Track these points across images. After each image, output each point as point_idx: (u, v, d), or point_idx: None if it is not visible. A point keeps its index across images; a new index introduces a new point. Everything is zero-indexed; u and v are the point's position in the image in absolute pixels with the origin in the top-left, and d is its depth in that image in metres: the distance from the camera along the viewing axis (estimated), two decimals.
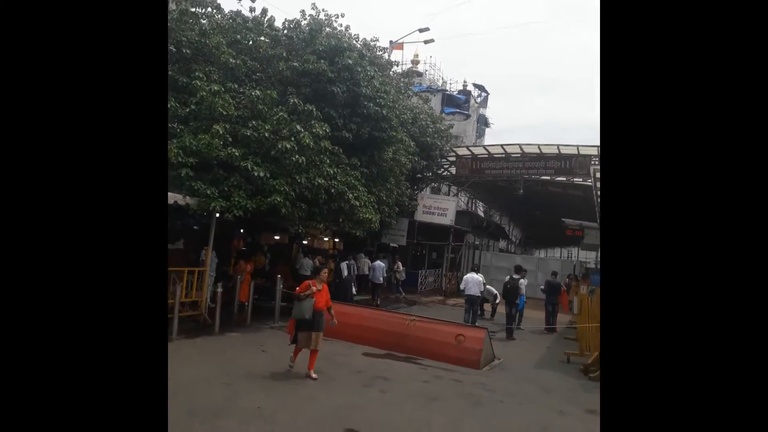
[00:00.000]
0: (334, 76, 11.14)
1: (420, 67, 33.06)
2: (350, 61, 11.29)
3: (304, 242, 16.68)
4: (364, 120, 11.93)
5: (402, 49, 28.29)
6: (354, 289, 13.68)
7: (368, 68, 12.10)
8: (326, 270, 6.81)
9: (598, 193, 11.86)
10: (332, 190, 10.25)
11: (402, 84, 19.13)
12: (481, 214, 30.11)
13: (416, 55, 32.92)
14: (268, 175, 8.80)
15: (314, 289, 6.00)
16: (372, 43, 15.31)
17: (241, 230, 13.11)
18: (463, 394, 5.87)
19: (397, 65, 21.64)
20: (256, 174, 8.54)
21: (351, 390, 5.62)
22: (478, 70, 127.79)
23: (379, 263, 14.95)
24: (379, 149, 12.94)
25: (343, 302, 9.84)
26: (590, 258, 28.48)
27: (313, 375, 5.84)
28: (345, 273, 14.03)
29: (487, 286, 13.30)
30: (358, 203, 11.04)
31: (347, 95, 11.48)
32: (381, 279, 14.75)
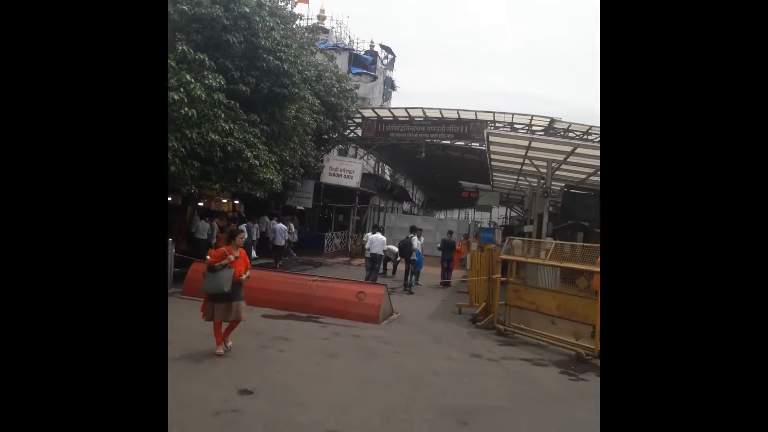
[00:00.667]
0: (230, 24, 10.26)
1: (326, 24, 31.84)
2: (247, 9, 10.46)
3: (200, 204, 15.66)
4: (264, 74, 11.26)
5: (307, 2, 26.91)
6: (254, 253, 13.30)
7: (268, 19, 11.31)
8: (242, 234, 5.86)
9: (491, 156, 12.69)
10: (228, 148, 9.66)
11: (306, 39, 18.29)
12: (388, 178, 30.70)
13: (322, 11, 31.58)
14: None
15: (231, 257, 5.32)
16: None
17: None
18: (361, 347, 6.10)
19: (302, 19, 20.60)
20: None
21: (248, 352, 5.53)
22: (386, 31, 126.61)
23: (280, 226, 14.74)
24: (281, 106, 12.37)
25: None
26: (485, 218, 30.75)
27: (229, 344, 5.38)
28: (245, 236, 13.52)
29: (389, 246, 13.78)
30: (257, 162, 10.56)
31: (245, 46, 10.68)
32: (282, 241, 14.65)
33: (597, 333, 6.23)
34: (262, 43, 10.85)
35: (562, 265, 6.74)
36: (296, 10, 17.38)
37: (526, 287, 7.47)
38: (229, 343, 5.42)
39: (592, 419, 4.32)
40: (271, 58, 11.21)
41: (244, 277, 5.41)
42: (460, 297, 10.68)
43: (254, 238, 14.49)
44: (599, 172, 11.40)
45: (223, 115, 9.44)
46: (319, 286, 8.41)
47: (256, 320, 7.32)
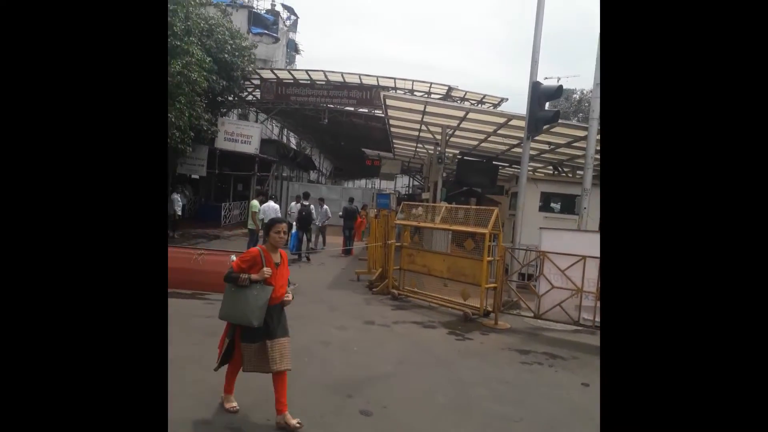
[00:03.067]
0: None
1: None
2: None
3: None
4: None
5: None
6: None
7: None
8: (283, 227, 3.46)
9: (390, 122, 12.61)
10: None
11: None
12: (294, 147, 29.55)
13: None
14: None
15: (268, 270, 3.26)
16: None
17: None
18: None
19: None
20: None
21: None
22: None
23: (175, 196, 13.64)
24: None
25: None
26: (389, 187, 31.21)
27: (295, 421, 3.23)
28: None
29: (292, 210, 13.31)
30: None
31: None
32: (179, 211, 13.92)
33: (482, 292, 6.54)
34: None
35: (451, 228, 6.92)
36: None
37: (418, 251, 7.60)
38: (295, 421, 3.24)
39: (474, 377, 4.51)
40: None
41: (288, 298, 3.53)
42: (360, 265, 10.68)
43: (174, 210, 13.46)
44: (489, 138, 11.92)
45: None
46: (207, 261, 7.77)
47: None
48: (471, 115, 10.01)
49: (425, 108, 10.13)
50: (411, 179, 31.59)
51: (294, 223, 11.50)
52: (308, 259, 11.40)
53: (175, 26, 10.66)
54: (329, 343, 5.17)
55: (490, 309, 6.67)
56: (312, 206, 11.98)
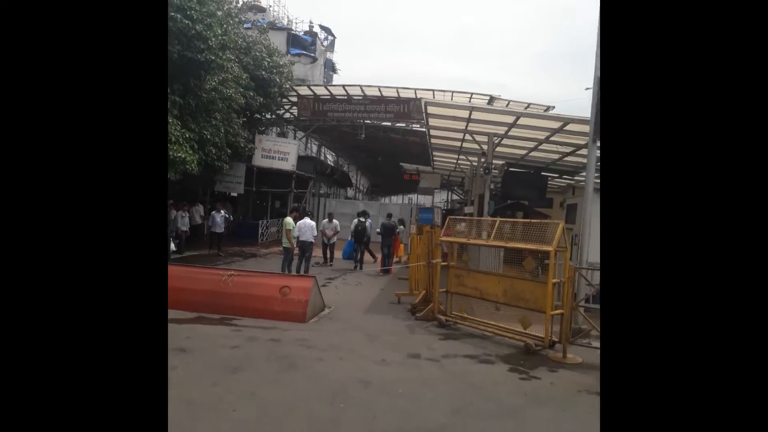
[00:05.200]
0: None
1: (263, 2, 29.72)
2: None
3: None
4: (172, 36, 9.66)
5: None
6: (173, 245, 11.81)
7: None
8: None
9: (431, 133, 11.86)
10: None
11: (234, 8, 16.48)
12: (331, 164, 29.37)
13: None
14: None
15: None
16: None
17: None
18: (277, 356, 5.03)
19: None
20: None
21: None
22: (327, 11, 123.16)
23: (214, 214, 13.96)
24: (196, 76, 10.79)
25: None
26: (427, 202, 30.34)
27: None
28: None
29: (333, 222, 12.90)
30: None
31: None
32: (222, 228, 13.94)
33: (546, 319, 5.58)
34: None
35: (508, 245, 6.00)
36: None
37: (468, 272, 6.70)
38: None
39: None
40: (180, 16, 9.63)
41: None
42: (400, 285, 9.86)
43: (184, 228, 13.28)
44: (540, 147, 10.95)
45: None
46: (236, 282, 7.20)
47: None
48: (521, 121, 9.12)
49: (470, 115, 9.33)
50: (449, 194, 30.62)
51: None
52: (360, 267, 12.18)
53: (210, 40, 10.45)
54: (369, 383, 4.37)
55: (556, 339, 5.68)
56: (368, 222, 12.63)
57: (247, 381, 4.30)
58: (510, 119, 9.13)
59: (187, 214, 14.09)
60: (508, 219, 6.10)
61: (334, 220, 12.73)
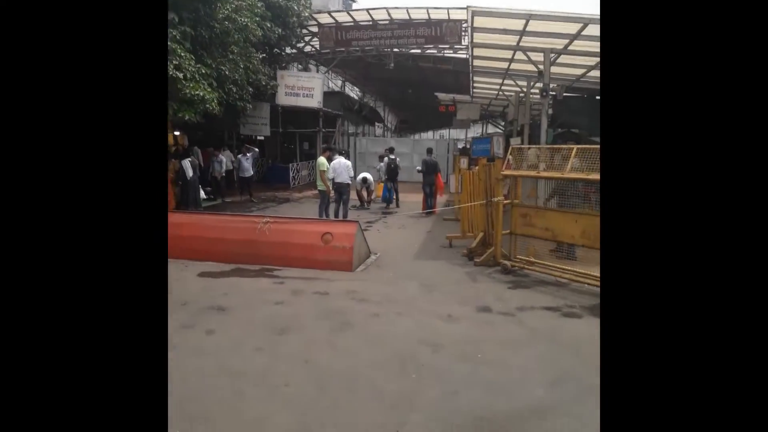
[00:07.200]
0: None
1: None
2: None
3: None
4: None
5: None
6: (202, 192, 11.31)
7: None
8: None
9: (474, 51, 10.47)
10: None
11: None
12: (358, 100, 27.92)
13: None
14: None
15: None
16: None
17: None
18: (327, 313, 4.42)
19: None
20: None
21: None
22: None
23: (248, 155, 13.32)
24: (206, 2, 9.63)
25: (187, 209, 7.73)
26: (461, 137, 28.80)
27: None
28: (190, 173, 11.40)
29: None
30: (180, 75, 8.14)
31: None
32: (251, 172, 13.40)
33: None
34: None
35: (589, 177, 5.00)
36: None
37: (537, 210, 5.80)
38: None
39: None
40: None
41: None
42: (448, 227, 9.08)
43: (221, 172, 13.18)
44: (600, 67, 9.50)
45: None
46: (274, 230, 6.57)
47: (191, 281, 5.54)
48: (588, 30, 7.69)
49: (525, 26, 7.95)
50: (485, 127, 28.89)
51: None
52: (397, 205, 11.97)
53: None
54: (439, 346, 3.69)
55: None
56: (398, 159, 12.26)
57: (296, 344, 3.71)
58: (574, 28, 7.72)
59: (224, 159, 13.50)
60: (589, 146, 5.06)
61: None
